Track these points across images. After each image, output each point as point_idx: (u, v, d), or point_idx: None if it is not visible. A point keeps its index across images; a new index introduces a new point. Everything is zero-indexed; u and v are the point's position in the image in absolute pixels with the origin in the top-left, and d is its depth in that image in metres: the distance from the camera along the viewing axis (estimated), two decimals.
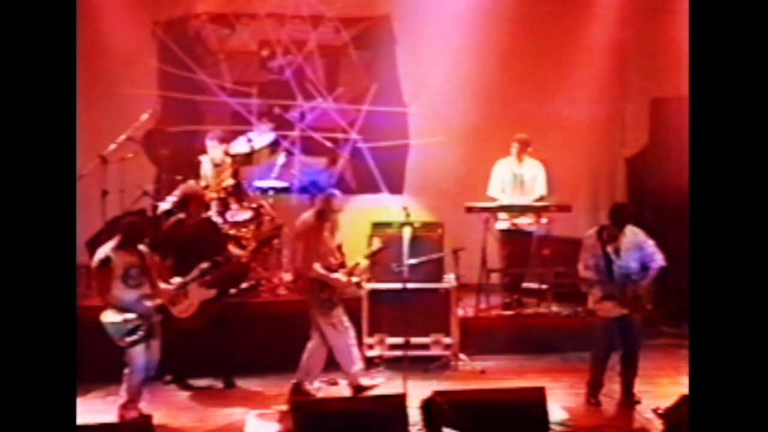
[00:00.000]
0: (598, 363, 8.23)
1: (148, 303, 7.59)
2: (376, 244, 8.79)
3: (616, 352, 8.25)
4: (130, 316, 7.46)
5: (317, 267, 8.15)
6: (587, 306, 8.43)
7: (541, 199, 10.13)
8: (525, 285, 10.39)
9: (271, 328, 9.24)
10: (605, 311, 8.10)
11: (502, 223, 10.05)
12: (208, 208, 9.25)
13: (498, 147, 10.27)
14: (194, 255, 8.15)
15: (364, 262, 8.56)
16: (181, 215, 8.62)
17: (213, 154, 9.98)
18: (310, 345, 8.32)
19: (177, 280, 8.00)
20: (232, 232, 9.46)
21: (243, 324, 9.19)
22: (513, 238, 10.12)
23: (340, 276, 8.24)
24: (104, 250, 7.58)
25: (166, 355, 8.05)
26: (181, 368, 8.70)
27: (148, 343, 7.59)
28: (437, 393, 6.41)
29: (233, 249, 8.78)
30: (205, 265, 8.09)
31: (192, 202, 8.62)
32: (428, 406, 5.97)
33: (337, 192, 8.54)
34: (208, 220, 8.85)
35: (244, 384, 8.81)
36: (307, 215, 8.34)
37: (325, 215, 8.28)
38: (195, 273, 8.05)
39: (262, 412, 8.08)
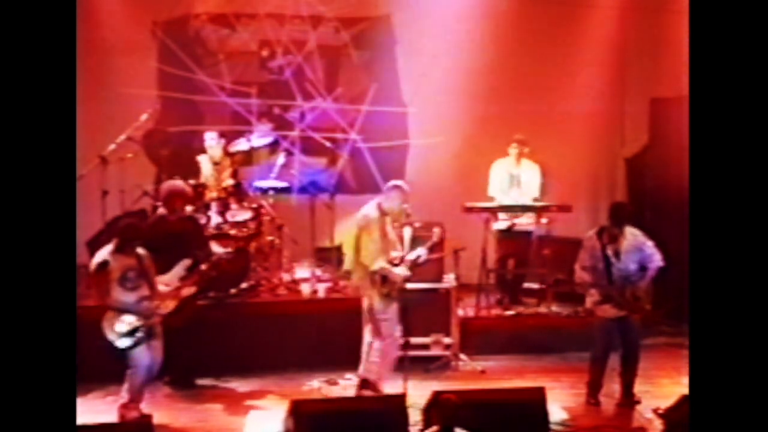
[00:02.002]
0: (597, 363, 8.23)
1: (147, 305, 7.58)
2: (437, 234, 8.65)
3: (616, 353, 8.25)
4: (130, 318, 7.45)
5: (381, 261, 8.09)
6: (585, 306, 8.42)
7: (535, 201, 10.14)
8: (525, 285, 10.40)
9: (271, 328, 9.24)
10: (604, 312, 8.10)
11: (501, 223, 10.04)
12: (191, 204, 9.18)
13: (498, 147, 10.28)
14: (175, 252, 8.09)
15: (424, 254, 8.48)
16: (164, 212, 8.60)
17: (212, 151, 9.98)
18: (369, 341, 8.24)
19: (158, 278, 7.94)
20: (232, 232, 9.47)
21: (243, 324, 9.20)
22: (511, 238, 10.12)
23: (400, 271, 8.16)
24: (101, 254, 7.57)
25: None
26: (164, 366, 8.40)
27: (150, 343, 7.58)
28: (439, 393, 6.42)
29: (215, 247, 8.74)
30: (188, 261, 8.07)
31: (176, 198, 8.59)
32: (442, 404, 5.97)
33: (401, 183, 8.38)
34: (190, 217, 8.81)
35: (245, 384, 8.80)
36: (369, 208, 8.24)
37: (388, 207, 8.19)
38: (182, 271, 8.01)
39: (262, 412, 8.07)
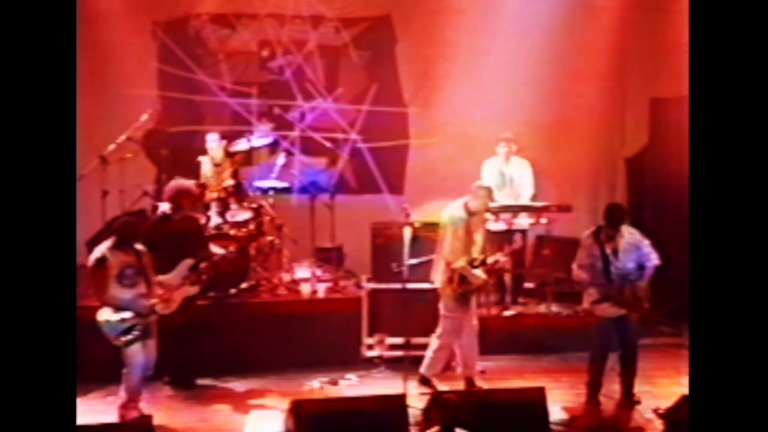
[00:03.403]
0: (595, 363, 8.23)
1: (144, 302, 7.58)
2: (517, 241, 8.87)
3: (615, 353, 8.25)
4: (126, 315, 7.46)
5: (462, 261, 8.19)
6: (583, 306, 8.42)
7: (532, 198, 10.13)
8: (525, 285, 10.40)
9: (271, 328, 9.24)
10: (602, 311, 8.10)
11: (495, 224, 9.98)
12: (199, 203, 9.22)
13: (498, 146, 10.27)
14: (176, 251, 8.10)
15: (503, 259, 8.63)
16: (168, 210, 8.60)
17: (213, 152, 9.98)
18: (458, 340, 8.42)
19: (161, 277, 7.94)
20: (232, 232, 9.46)
21: (243, 324, 9.21)
22: (505, 238, 10.09)
23: (479, 273, 8.28)
24: (100, 250, 7.58)
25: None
26: (164, 367, 8.41)
27: (145, 342, 7.59)
28: (439, 393, 6.42)
29: (214, 248, 8.76)
30: (191, 261, 8.08)
31: (183, 197, 8.60)
32: (442, 404, 5.97)
33: (485, 184, 8.49)
34: (191, 217, 8.80)
35: (245, 384, 8.80)
36: (456, 207, 8.32)
37: (474, 207, 8.28)
38: (186, 270, 8.03)
39: (262, 412, 8.07)
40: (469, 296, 8.35)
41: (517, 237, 9.27)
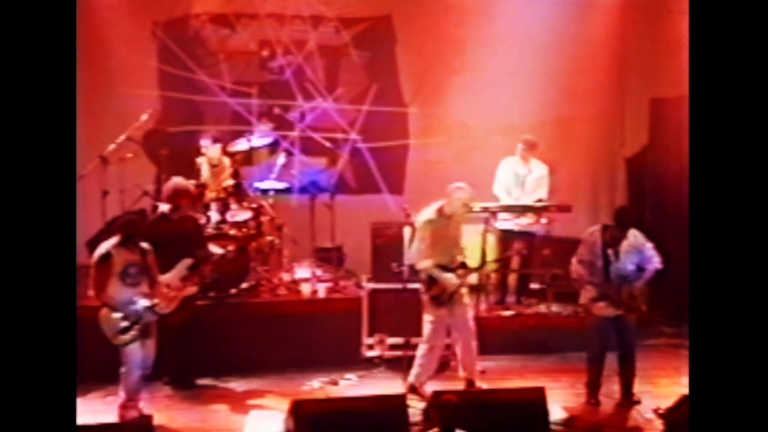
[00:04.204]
0: (594, 363, 8.23)
1: (145, 302, 7.58)
2: (514, 249, 8.97)
3: (613, 353, 8.25)
4: (126, 314, 7.45)
5: (426, 263, 8.06)
6: (580, 302, 8.40)
7: (539, 201, 10.11)
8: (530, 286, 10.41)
9: (271, 328, 9.24)
10: (599, 310, 8.09)
11: (505, 223, 10.00)
12: (199, 203, 9.24)
13: (498, 147, 10.28)
14: (175, 251, 8.10)
15: (492, 266, 8.50)
16: (166, 210, 8.61)
17: (209, 154, 9.97)
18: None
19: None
20: (232, 232, 9.46)
21: (243, 324, 9.21)
22: (514, 238, 10.09)
23: (451, 276, 8.09)
24: (105, 246, 7.57)
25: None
26: (163, 367, 8.41)
27: (144, 341, 7.58)
28: (439, 393, 6.42)
29: (213, 248, 8.76)
30: (189, 261, 8.09)
31: (181, 197, 8.60)
32: (442, 404, 5.97)
33: (462, 185, 8.24)
34: (191, 217, 8.80)
35: (245, 384, 8.80)
36: (429, 210, 8.21)
37: (450, 211, 8.15)
38: (184, 270, 8.03)
39: (262, 412, 8.07)
40: (446, 299, 8.08)
41: (518, 242, 9.28)
